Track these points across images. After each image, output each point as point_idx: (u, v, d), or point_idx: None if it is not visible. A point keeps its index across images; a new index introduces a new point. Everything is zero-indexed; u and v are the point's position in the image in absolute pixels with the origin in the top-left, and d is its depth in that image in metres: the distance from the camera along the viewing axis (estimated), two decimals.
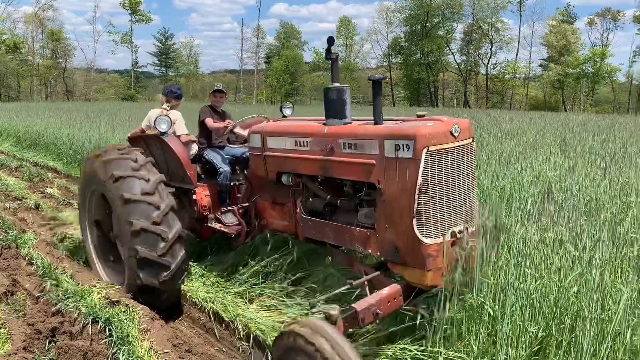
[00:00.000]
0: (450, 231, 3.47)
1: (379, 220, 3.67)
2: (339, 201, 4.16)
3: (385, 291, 3.52)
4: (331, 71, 4.10)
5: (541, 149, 12.72)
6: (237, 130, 5.90)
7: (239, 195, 5.56)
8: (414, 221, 3.38)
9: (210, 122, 5.96)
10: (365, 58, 74.81)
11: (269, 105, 50.27)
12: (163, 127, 5.40)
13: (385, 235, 3.62)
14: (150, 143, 5.72)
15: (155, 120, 5.47)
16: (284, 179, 4.55)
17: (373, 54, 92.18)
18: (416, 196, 3.35)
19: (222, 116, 6.25)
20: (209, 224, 5.61)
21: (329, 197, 4.22)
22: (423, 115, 3.66)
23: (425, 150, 3.32)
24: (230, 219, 5.49)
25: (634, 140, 15.13)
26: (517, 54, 65.16)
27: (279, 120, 5.15)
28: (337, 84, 4.04)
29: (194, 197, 5.53)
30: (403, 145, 3.39)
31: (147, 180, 4.63)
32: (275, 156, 4.55)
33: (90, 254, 5.48)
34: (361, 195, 3.92)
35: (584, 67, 59.99)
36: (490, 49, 64.07)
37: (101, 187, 4.91)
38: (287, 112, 6.29)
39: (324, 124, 4.15)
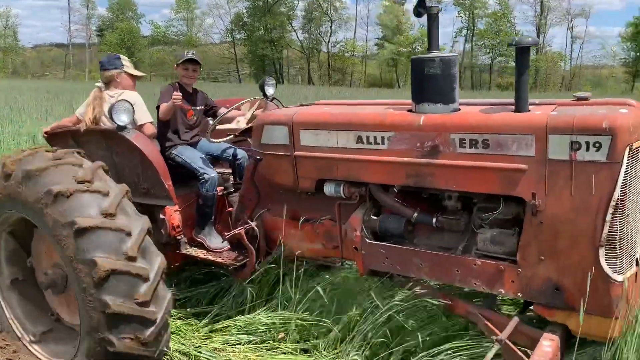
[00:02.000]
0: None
1: (526, 248, 2.63)
2: (435, 220, 2.98)
3: (547, 348, 2.51)
4: (428, 34, 2.94)
5: None
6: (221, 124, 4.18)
7: (230, 209, 4.05)
8: (601, 251, 2.42)
9: (164, 108, 4.08)
10: (208, 33, 72.72)
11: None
12: (124, 119, 3.63)
13: (538, 269, 2.61)
14: (88, 141, 3.91)
15: (111, 109, 3.64)
16: (328, 189, 3.28)
17: (216, 28, 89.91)
18: (609, 216, 2.38)
19: (194, 99, 4.38)
20: (183, 251, 3.98)
21: (416, 214, 3.03)
22: (586, 98, 2.72)
23: (627, 150, 2.35)
24: (217, 242, 3.99)
25: None
26: (355, 32, 68.29)
27: (307, 106, 3.64)
28: (437, 53, 2.87)
29: (161, 215, 3.85)
30: (589, 142, 2.38)
31: (106, 195, 2.95)
32: (315, 157, 3.24)
33: (11, 329, 3.52)
34: (493, 214, 2.76)
35: (414, 47, 64.70)
36: (331, 28, 66.12)
37: (24, 211, 3.12)
38: (270, 90, 4.62)
39: (410, 111, 2.97)
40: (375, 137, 3.00)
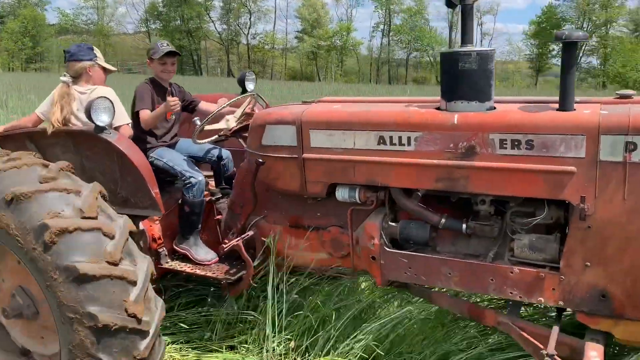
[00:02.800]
0: None
1: (570, 254, 2.49)
2: (465, 226, 2.77)
3: (595, 358, 2.41)
4: (463, 27, 2.70)
5: None
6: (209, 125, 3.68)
7: (218, 217, 3.65)
8: None
9: (146, 115, 3.60)
10: (120, 22, 69.56)
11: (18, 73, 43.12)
12: (104, 119, 3.15)
13: (583, 276, 2.48)
14: (51, 144, 3.37)
15: (90, 107, 3.11)
16: (341, 193, 3.01)
17: (130, 18, 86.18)
18: None
19: (168, 95, 3.82)
20: (164, 265, 3.54)
21: (444, 220, 2.81)
22: (630, 96, 2.62)
23: None
24: (204, 254, 3.57)
25: None
26: (274, 25, 67.97)
27: (312, 103, 3.29)
28: (472, 47, 2.64)
29: (140, 226, 3.41)
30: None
31: (78, 194, 2.56)
32: (327, 160, 2.95)
33: None
34: (536, 219, 2.58)
35: (333, 40, 65.40)
36: (250, 19, 65.47)
37: None
38: (251, 86, 4.25)
39: (438, 109, 2.76)
40: (400, 138, 2.74)
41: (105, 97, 3.23)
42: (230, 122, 3.61)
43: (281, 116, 3.08)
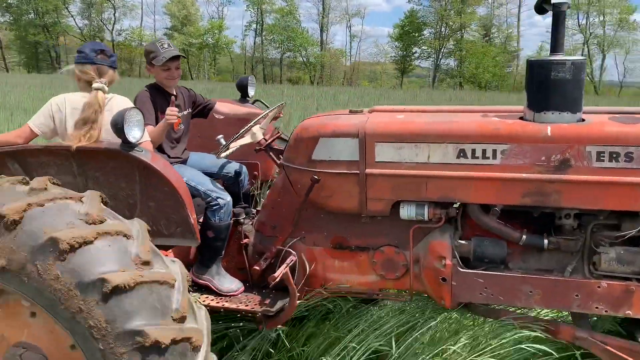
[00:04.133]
0: None
1: None
2: (546, 241, 2.67)
3: None
4: (554, 34, 2.55)
5: None
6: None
7: (245, 240, 3.20)
8: None
9: (149, 130, 3.07)
10: None
11: None
12: (136, 134, 2.63)
13: None
14: (43, 164, 2.76)
15: (123, 121, 2.52)
16: (407, 211, 2.78)
17: None
18: None
19: (178, 103, 3.45)
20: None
21: (524, 236, 2.68)
22: None
23: None
24: (229, 284, 3.13)
25: None
26: (141, 21, 64.92)
27: (363, 112, 3.02)
28: (563, 56, 2.51)
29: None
30: None
31: (129, 238, 2.15)
32: (395, 175, 2.71)
33: None
34: (630, 232, 2.53)
35: (205, 38, 63.96)
36: (114, 15, 61.92)
37: None
38: (252, 91, 3.95)
39: (522, 119, 2.65)
40: (484, 151, 2.57)
41: (136, 107, 2.70)
42: (257, 134, 3.22)
43: (339, 127, 2.79)
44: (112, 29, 61.86)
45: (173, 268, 2.19)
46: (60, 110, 2.87)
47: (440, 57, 62.77)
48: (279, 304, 2.98)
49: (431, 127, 2.68)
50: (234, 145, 3.16)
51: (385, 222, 2.91)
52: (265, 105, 4.00)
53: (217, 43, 64.57)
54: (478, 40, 61.69)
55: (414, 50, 64.01)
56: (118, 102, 2.93)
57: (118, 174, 2.72)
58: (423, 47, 63.93)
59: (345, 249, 3.01)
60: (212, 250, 3.14)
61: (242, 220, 3.24)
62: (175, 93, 3.47)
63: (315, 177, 2.79)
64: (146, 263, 2.06)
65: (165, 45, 3.36)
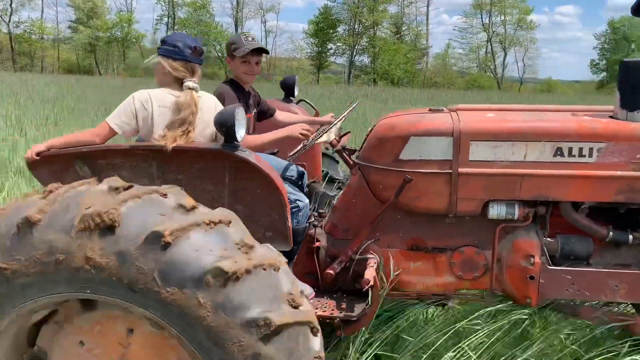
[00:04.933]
0: None
1: None
2: (631, 236, 2.72)
3: None
4: None
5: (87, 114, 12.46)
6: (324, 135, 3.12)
7: (317, 244, 3.03)
8: None
9: (274, 139, 3.01)
10: None
11: None
12: (242, 133, 2.49)
13: None
14: (116, 166, 2.58)
15: (234, 119, 2.41)
16: (497, 211, 2.75)
17: None
18: None
19: (250, 102, 3.32)
20: None
21: (611, 233, 2.72)
22: None
23: None
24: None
25: None
26: (42, 13, 60.99)
27: (443, 111, 2.97)
28: None
29: None
30: None
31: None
32: (489, 174, 2.69)
33: None
34: None
35: (113, 32, 61.22)
36: (10, 5, 57.72)
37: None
38: (297, 90, 3.87)
39: (613, 118, 2.73)
40: (580, 149, 2.61)
41: (240, 107, 2.53)
42: (330, 134, 3.10)
43: (433, 126, 2.74)
44: (9, 21, 57.59)
45: (271, 251, 2.06)
46: (145, 108, 2.65)
47: (354, 53, 64.07)
48: (358, 308, 2.85)
49: (529, 125, 2.70)
50: (308, 145, 3.09)
51: (466, 223, 2.88)
52: (310, 105, 3.88)
53: (126, 37, 62.01)
54: (390, 37, 63.58)
55: (329, 47, 64.89)
56: (206, 101, 2.78)
57: (205, 176, 2.55)
58: (338, 44, 64.96)
59: (421, 250, 2.96)
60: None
61: (316, 223, 3.12)
62: (250, 91, 3.36)
63: (409, 177, 2.72)
64: (251, 247, 1.95)
65: (250, 39, 3.25)
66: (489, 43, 63.69)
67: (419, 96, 28.87)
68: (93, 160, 2.58)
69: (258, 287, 1.85)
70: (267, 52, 3.38)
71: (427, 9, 64.56)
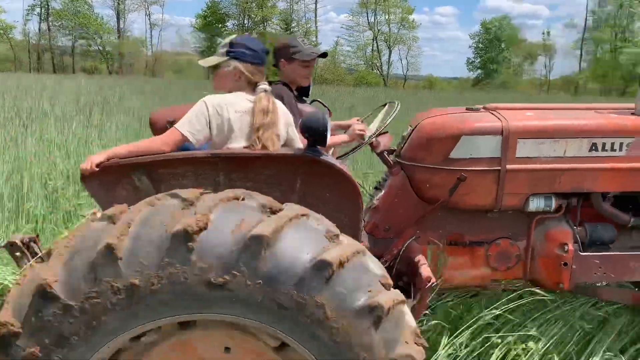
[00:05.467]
0: None
1: None
2: None
3: None
4: None
5: None
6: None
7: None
8: None
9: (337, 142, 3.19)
10: None
11: None
12: (329, 138, 2.45)
13: None
14: (176, 176, 2.41)
15: (324, 123, 2.32)
16: (536, 203, 2.95)
17: None
18: None
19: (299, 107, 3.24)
20: None
21: (632, 219, 3.02)
22: None
23: None
24: None
25: (48, 97, 15.65)
26: None
27: (480, 111, 3.10)
28: None
29: None
30: None
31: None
32: (533, 170, 2.87)
33: None
34: None
35: None
36: None
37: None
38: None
39: (634, 114, 3.03)
40: (612, 144, 2.88)
41: (324, 112, 2.61)
42: (372, 129, 3.14)
43: (483, 125, 2.86)
44: None
45: (350, 238, 2.08)
46: (220, 114, 2.52)
47: None
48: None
49: (569, 123, 2.90)
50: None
51: (504, 216, 3.03)
52: (323, 105, 3.81)
53: None
54: (280, 33, 63.78)
55: (218, 42, 63.59)
56: (281, 105, 2.73)
57: (272, 182, 2.45)
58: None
59: (460, 245, 3.06)
60: None
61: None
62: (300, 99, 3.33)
63: (464, 175, 2.83)
64: (337, 236, 1.98)
65: (307, 43, 3.25)
66: (375, 41, 66.02)
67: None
68: (153, 170, 2.42)
69: (357, 274, 1.87)
70: (326, 55, 3.38)
71: (315, 6, 65.56)
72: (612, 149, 2.91)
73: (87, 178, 2.42)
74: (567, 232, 2.99)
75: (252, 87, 2.64)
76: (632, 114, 3.09)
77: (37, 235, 2.89)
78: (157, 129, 3.15)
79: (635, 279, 3.13)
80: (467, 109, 3.15)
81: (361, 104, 21.15)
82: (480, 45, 66.91)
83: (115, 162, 2.41)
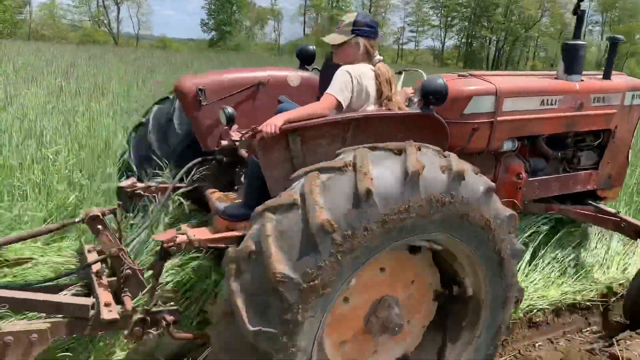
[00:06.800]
0: None
1: (604, 158, 4.42)
2: (559, 154, 4.28)
3: None
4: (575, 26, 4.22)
5: None
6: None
7: None
8: (629, 151, 4.64)
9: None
10: None
11: None
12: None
13: (606, 169, 4.46)
14: (326, 136, 2.85)
15: (446, 86, 3.01)
16: (507, 145, 3.86)
17: None
18: (634, 133, 4.64)
19: None
20: None
21: (553, 152, 4.20)
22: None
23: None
24: None
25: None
26: None
27: (468, 77, 3.78)
28: (579, 40, 4.12)
29: None
30: (637, 95, 4.40)
31: None
32: (512, 120, 3.76)
33: None
34: (594, 142, 4.40)
35: None
36: None
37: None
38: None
39: (557, 79, 4.13)
40: (552, 100, 3.88)
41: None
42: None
43: (484, 88, 3.60)
44: None
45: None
46: (360, 83, 3.01)
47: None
48: None
49: (528, 86, 3.85)
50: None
51: (479, 157, 3.79)
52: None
53: None
54: None
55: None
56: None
57: (388, 137, 2.69)
58: None
59: None
60: None
61: None
62: None
63: (477, 126, 3.54)
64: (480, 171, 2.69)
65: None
66: None
67: (26, 49, 24.85)
68: (304, 131, 2.79)
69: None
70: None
71: None
72: (551, 104, 3.91)
73: (262, 140, 2.73)
74: (521, 165, 3.97)
75: (370, 57, 3.14)
76: (555, 78, 4.15)
77: (119, 205, 3.29)
78: (187, 95, 3.68)
79: (555, 194, 4.31)
80: (459, 75, 3.84)
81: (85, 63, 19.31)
82: (213, 6, 67.10)
83: (290, 126, 2.74)
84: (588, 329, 4.21)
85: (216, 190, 3.64)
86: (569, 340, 3.98)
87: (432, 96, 2.88)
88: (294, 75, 4.05)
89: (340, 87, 2.93)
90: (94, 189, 4.75)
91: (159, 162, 3.86)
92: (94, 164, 5.46)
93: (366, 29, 3.08)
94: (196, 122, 3.73)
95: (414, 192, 2.28)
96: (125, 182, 3.62)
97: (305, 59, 4.25)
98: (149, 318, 2.76)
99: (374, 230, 2.21)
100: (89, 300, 2.73)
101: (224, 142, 3.72)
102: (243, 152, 3.68)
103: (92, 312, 2.68)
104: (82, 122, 7.46)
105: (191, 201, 3.73)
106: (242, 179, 3.73)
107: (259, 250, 2.13)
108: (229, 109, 3.56)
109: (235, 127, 3.70)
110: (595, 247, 4.88)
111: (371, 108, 3.06)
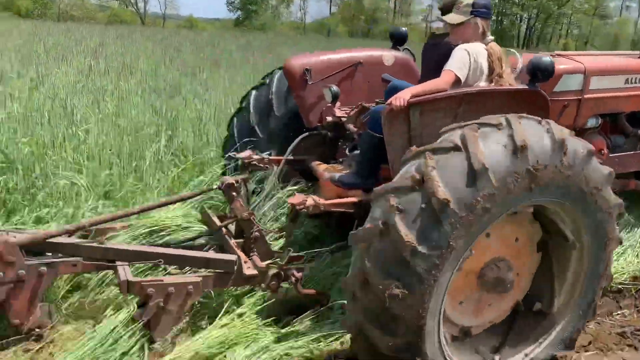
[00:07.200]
0: None
1: None
2: (639, 131, 4.37)
3: None
4: None
5: None
6: None
7: None
8: None
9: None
10: None
11: None
12: None
13: None
14: (441, 109, 3.13)
15: (545, 65, 3.24)
16: (591, 122, 4.09)
17: None
18: None
19: None
20: None
21: (632, 129, 4.34)
22: None
23: None
24: None
25: None
26: None
27: (558, 57, 4.01)
28: None
29: None
30: None
31: None
32: (598, 98, 3.98)
33: None
34: None
35: None
36: None
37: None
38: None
39: None
40: (635, 78, 4.11)
41: None
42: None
43: (573, 67, 3.86)
44: None
45: None
46: (476, 61, 3.24)
47: None
48: None
49: (615, 65, 4.13)
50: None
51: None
52: (411, 53, 4.41)
53: None
54: None
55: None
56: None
57: (495, 111, 2.78)
58: None
59: None
60: None
61: None
62: None
63: (567, 103, 3.80)
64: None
65: None
66: None
67: (56, 29, 25.16)
68: (423, 106, 3.00)
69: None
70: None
71: None
72: (635, 82, 4.13)
73: (391, 113, 2.96)
74: (603, 142, 4.13)
75: (484, 37, 3.34)
76: (638, 57, 4.47)
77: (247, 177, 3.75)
78: (295, 75, 3.98)
79: (632, 170, 4.40)
80: (553, 54, 4.05)
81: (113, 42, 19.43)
82: None
83: (416, 99, 2.98)
84: (619, 312, 4.09)
85: (321, 162, 3.93)
86: (599, 324, 3.88)
87: (540, 73, 3.08)
88: (388, 55, 4.26)
89: (458, 64, 3.17)
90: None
91: (260, 141, 4.24)
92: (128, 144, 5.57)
93: (484, 10, 3.29)
94: (301, 100, 4.02)
95: (523, 162, 2.45)
96: (243, 154, 3.91)
97: (398, 39, 4.49)
98: (282, 273, 3.18)
99: (489, 202, 2.40)
100: (233, 257, 3.13)
101: (329, 118, 3.97)
102: (351, 127, 3.89)
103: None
104: (111, 101, 7.55)
105: (299, 172, 4.11)
106: (347, 151, 4.05)
107: (386, 227, 2.39)
108: (334, 87, 3.87)
109: (338, 104, 3.92)
110: (630, 230, 4.78)
111: (483, 84, 3.27)
